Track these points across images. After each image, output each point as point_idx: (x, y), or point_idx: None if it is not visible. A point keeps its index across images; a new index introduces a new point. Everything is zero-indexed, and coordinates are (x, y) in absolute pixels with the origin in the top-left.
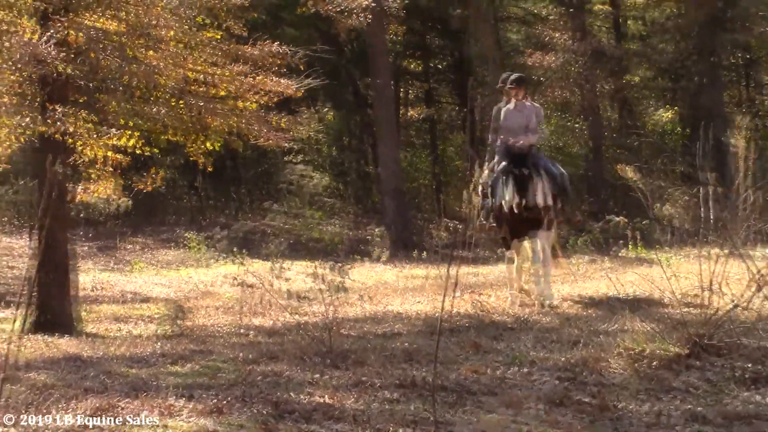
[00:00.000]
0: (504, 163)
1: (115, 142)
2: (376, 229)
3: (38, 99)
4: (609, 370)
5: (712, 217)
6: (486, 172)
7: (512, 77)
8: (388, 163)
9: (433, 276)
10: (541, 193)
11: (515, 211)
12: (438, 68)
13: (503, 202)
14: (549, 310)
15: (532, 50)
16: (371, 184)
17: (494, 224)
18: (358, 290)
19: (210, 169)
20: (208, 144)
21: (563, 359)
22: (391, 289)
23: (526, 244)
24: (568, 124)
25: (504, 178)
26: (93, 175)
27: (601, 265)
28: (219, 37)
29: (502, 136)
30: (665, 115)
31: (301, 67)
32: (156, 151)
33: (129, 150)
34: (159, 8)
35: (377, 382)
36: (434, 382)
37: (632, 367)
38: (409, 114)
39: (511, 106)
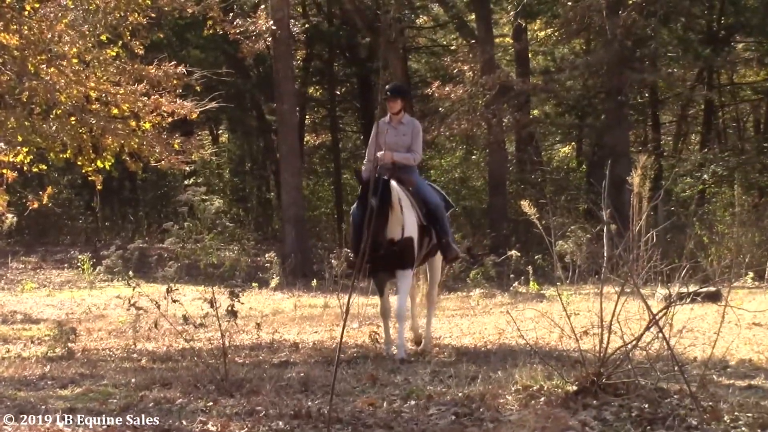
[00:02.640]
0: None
1: (7, 158)
2: (275, 257)
3: None
4: (506, 407)
5: (606, 255)
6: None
7: (388, 86)
8: (289, 190)
9: (331, 306)
10: (400, 226)
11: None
12: (344, 95)
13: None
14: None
15: (439, 82)
16: (272, 211)
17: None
18: (254, 318)
19: (99, 188)
20: (98, 162)
21: (460, 394)
22: (288, 318)
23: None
24: (473, 157)
25: (359, 206)
26: None
27: (500, 299)
28: (121, 55)
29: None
30: (563, 150)
31: (198, 89)
32: (44, 167)
33: (18, 166)
34: (63, 24)
35: (271, 412)
36: (329, 414)
37: (529, 405)
38: (313, 141)
39: (386, 119)
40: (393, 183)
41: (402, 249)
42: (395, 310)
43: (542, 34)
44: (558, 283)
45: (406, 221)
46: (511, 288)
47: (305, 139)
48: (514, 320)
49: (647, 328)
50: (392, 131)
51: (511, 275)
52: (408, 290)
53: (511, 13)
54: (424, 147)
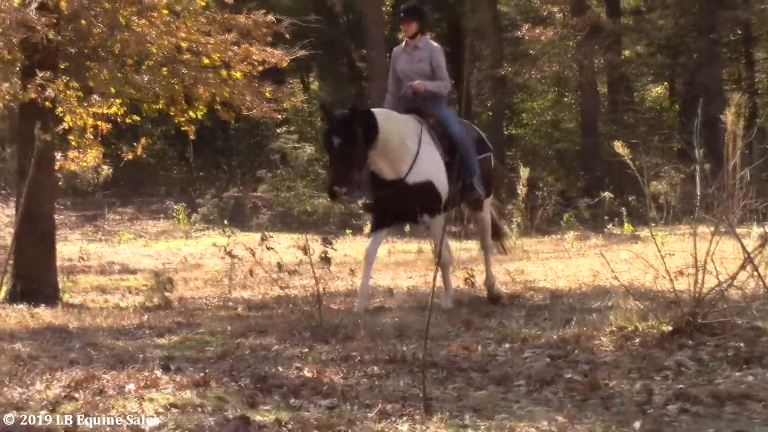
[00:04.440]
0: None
1: (101, 110)
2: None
3: (19, 65)
4: (600, 349)
5: (699, 194)
6: None
7: (403, 6)
8: None
9: (424, 251)
10: (403, 163)
11: (380, 188)
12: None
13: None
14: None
15: (529, 24)
16: None
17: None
18: (349, 264)
19: (192, 138)
20: (191, 113)
21: (554, 337)
22: (382, 264)
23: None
24: (565, 99)
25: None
26: (77, 143)
27: (594, 241)
28: (210, 4)
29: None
30: (655, 90)
31: (287, 37)
32: (138, 119)
33: (113, 118)
34: None
35: (366, 357)
36: (424, 358)
37: (624, 346)
38: None
39: (402, 45)
40: (380, 114)
41: (413, 190)
42: (442, 257)
43: None
44: (652, 224)
45: (421, 158)
46: (605, 230)
47: None
48: (608, 262)
49: (742, 267)
50: (406, 58)
51: (605, 217)
52: (438, 237)
53: None
54: (449, 73)
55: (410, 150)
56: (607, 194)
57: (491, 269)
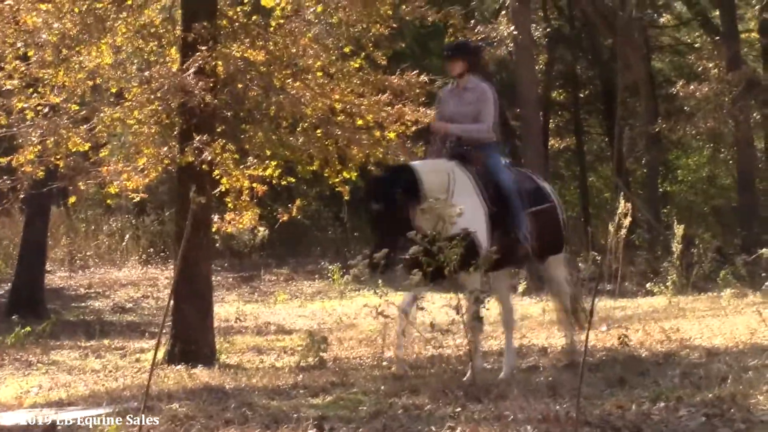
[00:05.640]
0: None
1: (257, 172)
2: None
3: (177, 129)
4: (757, 408)
5: None
6: None
7: (447, 44)
8: None
9: (579, 310)
10: (460, 220)
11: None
12: (587, 98)
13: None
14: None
15: (683, 80)
16: None
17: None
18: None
19: (346, 199)
20: (345, 173)
21: (710, 396)
22: (536, 322)
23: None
24: (721, 155)
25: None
26: (234, 205)
27: (752, 299)
28: (364, 66)
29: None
30: None
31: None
32: (293, 180)
33: (268, 180)
34: (307, 38)
35: (519, 416)
36: (577, 417)
37: None
38: (557, 145)
39: (449, 87)
40: (427, 167)
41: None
42: (504, 318)
43: None
44: None
45: (462, 209)
46: (764, 287)
47: (550, 143)
48: (765, 320)
49: None
50: (454, 99)
51: (763, 274)
52: (476, 293)
53: (757, 7)
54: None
55: (458, 199)
56: (765, 251)
57: (572, 335)
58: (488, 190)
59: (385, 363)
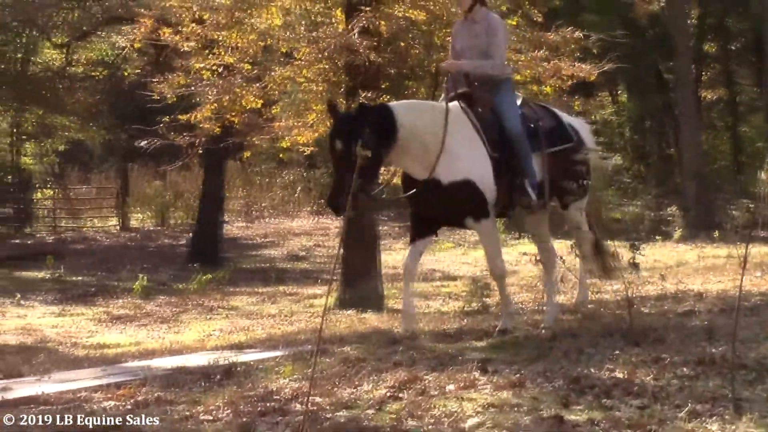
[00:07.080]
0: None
1: None
2: (677, 210)
3: (344, 86)
4: None
5: None
6: None
7: None
8: (689, 145)
9: (734, 256)
10: (450, 161)
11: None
12: (738, 50)
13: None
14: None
15: None
16: (672, 166)
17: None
18: (659, 269)
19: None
20: None
21: None
22: (692, 268)
23: None
24: None
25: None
26: None
27: None
28: (521, 23)
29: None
30: None
31: (595, 51)
32: None
33: None
34: None
35: (676, 359)
36: (733, 360)
37: None
38: (710, 96)
39: (460, 21)
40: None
41: (448, 190)
42: (493, 270)
43: None
44: None
45: (458, 155)
46: None
47: (702, 95)
48: None
49: None
50: (465, 33)
51: None
52: (489, 245)
53: None
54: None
55: (438, 142)
56: None
57: (585, 286)
58: (492, 133)
59: (543, 308)
